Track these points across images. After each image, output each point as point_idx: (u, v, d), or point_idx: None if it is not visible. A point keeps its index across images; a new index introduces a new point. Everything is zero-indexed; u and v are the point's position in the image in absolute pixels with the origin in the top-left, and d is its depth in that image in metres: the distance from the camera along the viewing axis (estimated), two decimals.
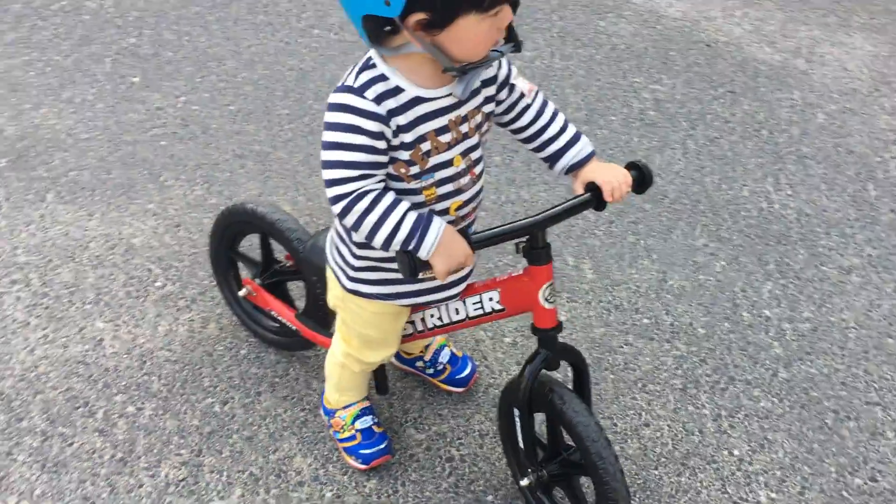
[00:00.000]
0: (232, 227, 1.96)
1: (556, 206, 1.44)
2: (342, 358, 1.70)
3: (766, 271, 2.40)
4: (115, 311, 2.12)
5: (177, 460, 1.81)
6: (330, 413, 1.84)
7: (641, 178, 1.49)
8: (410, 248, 1.32)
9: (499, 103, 1.49)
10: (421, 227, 1.32)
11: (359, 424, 1.80)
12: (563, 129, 1.51)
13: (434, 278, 1.49)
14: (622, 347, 2.16)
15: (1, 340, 2.02)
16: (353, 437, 1.80)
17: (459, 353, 2.01)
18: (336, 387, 1.79)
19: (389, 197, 1.33)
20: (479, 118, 1.43)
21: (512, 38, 1.34)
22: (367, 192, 1.32)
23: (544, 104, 1.53)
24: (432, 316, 1.65)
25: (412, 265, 1.32)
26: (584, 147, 1.51)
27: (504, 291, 1.54)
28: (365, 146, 1.29)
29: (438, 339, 1.97)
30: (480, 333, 2.15)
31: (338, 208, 1.32)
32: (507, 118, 1.52)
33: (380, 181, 1.35)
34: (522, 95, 1.50)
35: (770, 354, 2.15)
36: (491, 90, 1.45)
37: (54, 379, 1.95)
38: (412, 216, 1.33)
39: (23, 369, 1.96)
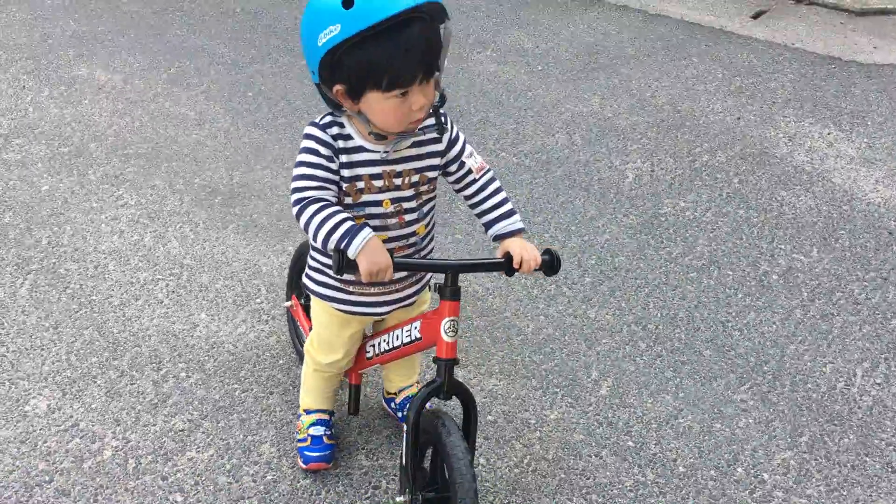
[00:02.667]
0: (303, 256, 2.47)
1: (472, 260, 1.76)
2: (306, 355, 2.10)
3: (793, 442, 2.31)
4: (219, 310, 2.72)
5: (187, 416, 2.32)
6: (298, 415, 2.23)
7: (551, 263, 1.75)
8: (342, 247, 1.65)
9: (447, 174, 1.84)
10: (353, 232, 1.65)
11: (312, 430, 2.16)
12: (498, 205, 1.84)
13: (364, 294, 1.86)
14: (591, 457, 2.24)
15: (139, 306, 2.72)
16: (304, 440, 2.16)
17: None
18: (303, 385, 2.18)
19: (335, 207, 1.70)
20: (415, 178, 1.78)
21: (438, 122, 1.71)
22: (318, 200, 1.70)
23: (489, 182, 1.87)
24: (380, 343, 1.99)
25: (340, 262, 1.65)
26: (511, 224, 1.82)
27: (423, 323, 1.85)
28: (321, 165, 1.70)
29: (413, 389, 2.26)
30: None
31: (295, 209, 1.72)
32: (456, 187, 1.89)
33: (334, 196, 1.73)
34: (470, 171, 1.84)
35: None
36: (435, 161, 1.80)
37: (152, 339, 2.59)
38: (348, 223, 1.67)
39: (139, 328, 2.63)
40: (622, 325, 2.72)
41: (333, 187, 1.73)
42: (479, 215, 1.89)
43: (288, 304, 2.49)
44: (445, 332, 1.75)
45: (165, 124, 3.81)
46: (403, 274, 1.86)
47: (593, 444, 2.28)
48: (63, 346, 2.55)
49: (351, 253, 1.65)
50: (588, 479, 2.18)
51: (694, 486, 2.16)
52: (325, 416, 2.19)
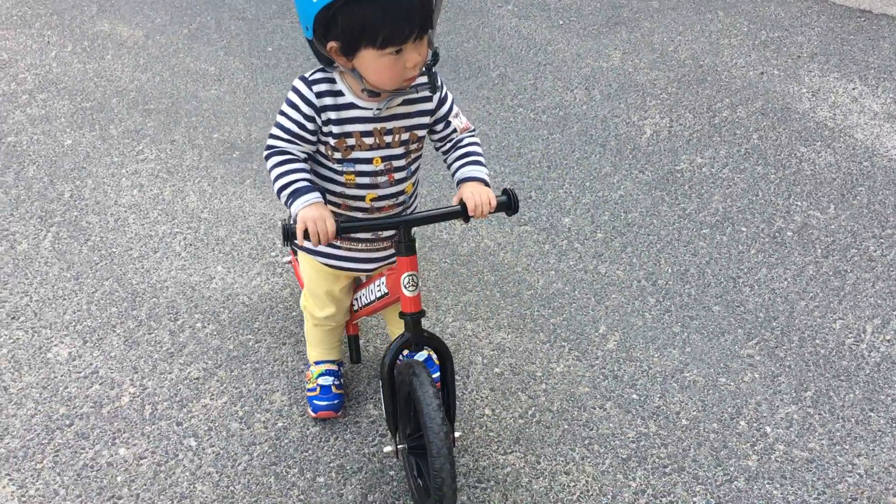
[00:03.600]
0: None
1: (424, 212, 1.77)
2: (303, 308, 2.15)
3: (797, 396, 2.32)
4: (235, 262, 2.78)
5: (202, 366, 2.39)
6: (307, 366, 2.28)
7: (508, 203, 1.75)
8: (287, 204, 1.69)
9: (433, 132, 1.86)
10: (301, 192, 1.69)
11: (321, 381, 2.22)
12: (468, 154, 1.85)
13: (351, 250, 1.90)
14: (594, 409, 2.28)
15: (158, 259, 2.78)
16: (314, 389, 2.22)
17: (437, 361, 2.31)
18: (308, 339, 2.23)
19: (299, 164, 1.73)
20: (405, 136, 1.79)
21: (431, 81, 1.72)
22: (286, 152, 1.74)
23: (470, 139, 1.87)
24: (361, 297, 2.04)
25: (285, 232, 1.67)
26: (474, 171, 1.81)
27: (388, 279, 1.88)
28: (296, 120, 1.72)
29: None
30: (478, 358, 2.43)
31: (265, 153, 1.76)
32: (437, 145, 1.92)
33: (302, 151, 1.75)
34: (455, 131, 1.86)
35: (739, 464, 2.12)
36: (425, 119, 1.81)
37: (169, 291, 2.65)
38: (301, 183, 1.70)
39: (157, 279, 2.70)
40: (632, 280, 2.73)
41: (304, 144, 1.75)
42: (450, 165, 1.89)
43: (287, 259, 2.54)
44: (405, 288, 1.78)
45: (186, 80, 3.84)
46: (392, 232, 1.88)
47: (598, 396, 2.32)
48: (84, 296, 2.62)
49: (293, 211, 1.67)
50: (591, 430, 2.22)
51: (695, 438, 2.19)
52: (334, 367, 2.25)
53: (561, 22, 4.42)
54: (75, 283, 2.67)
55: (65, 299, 2.61)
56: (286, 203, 1.70)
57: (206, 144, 3.37)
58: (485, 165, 1.86)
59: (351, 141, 1.76)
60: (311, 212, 1.66)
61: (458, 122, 1.88)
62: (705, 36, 4.27)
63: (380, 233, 1.84)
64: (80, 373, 2.36)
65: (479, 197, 1.74)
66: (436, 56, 1.69)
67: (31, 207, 3.01)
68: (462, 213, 1.75)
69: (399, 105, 1.76)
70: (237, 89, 3.77)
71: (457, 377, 2.35)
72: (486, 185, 1.80)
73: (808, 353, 2.46)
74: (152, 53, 4.05)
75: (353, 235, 1.89)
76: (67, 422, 2.22)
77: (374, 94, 1.70)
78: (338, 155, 1.77)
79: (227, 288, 2.67)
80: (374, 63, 1.61)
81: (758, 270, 2.77)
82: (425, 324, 2.52)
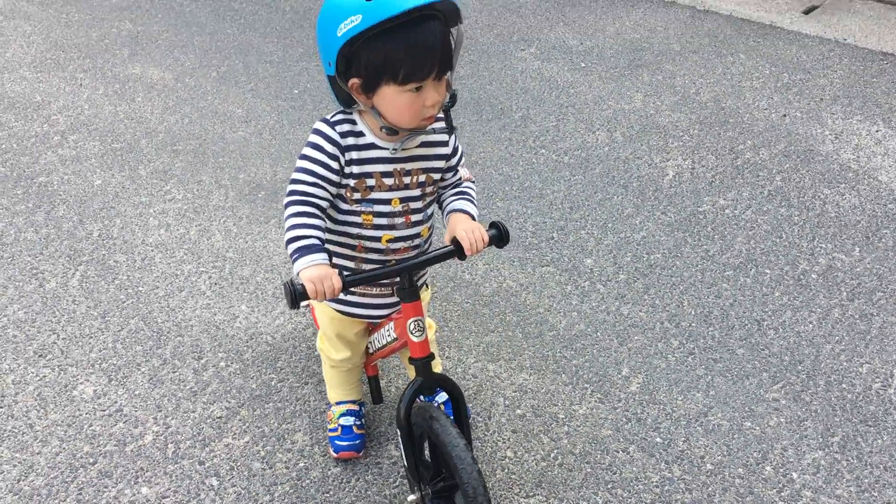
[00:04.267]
0: None
1: (422, 256, 1.78)
2: (319, 351, 2.17)
3: (824, 441, 2.29)
4: (259, 301, 2.80)
5: (225, 405, 2.40)
6: (329, 406, 2.29)
7: (499, 236, 1.76)
8: (292, 259, 1.67)
9: (443, 178, 1.88)
10: (309, 250, 1.65)
11: (342, 420, 2.22)
12: (461, 193, 1.88)
13: (363, 296, 1.91)
14: (618, 452, 2.26)
15: (183, 297, 2.81)
16: (335, 430, 2.22)
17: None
18: (327, 380, 2.24)
19: (315, 219, 1.71)
20: (422, 177, 1.82)
21: (448, 122, 1.75)
22: (308, 203, 1.72)
23: (467, 185, 1.91)
24: (374, 341, 2.06)
25: (293, 295, 1.61)
26: (464, 206, 1.83)
27: (395, 324, 1.90)
28: (321, 161, 1.73)
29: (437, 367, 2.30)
30: (500, 399, 2.42)
31: (285, 201, 1.75)
32: (441, 192, 1.92)
33: (325, 198, 1.74)
34: (460, 179, 1.90)
35: None
36: (441, 163, 1.84)
37: (194, 330, 2.68)
38: (311, 240, 1.67)
39: (182, 318, 2.73)
40: (655, 322, 2.72)
41: (329, 186, 1.74)
42: (442, 200, 1.90)
43: (306, 301, 2.55)
44: (412, 333, 1.79)
45: (213, 121, 3.91)
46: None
47: (621, 439, 2.30)
48: (110, 334, 2.65)
49: (295, 268, 1.65)
50: (614, 473, 2.20)
51: (720, 483, 2.16)
52: (355, 407, 2.25)
53: (583, 65, 4.47)
54: (102, 322, 2.71)
55: (91, 337, 2.65)
56: (291, 256, 1.68)
57: (232, 185, 3.43)
58: (476, 205, 1.88)
59: (371, 181, 1.77)
60: (315, 271, 1.63)
61: (464, 171, 1.92)
62: (727, 78, 4.29)
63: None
64: (105, 411, 2.38)
65: (472, 234, 1.74)
66: (454, 97, 1.71)
67: (61, 246, 3.06)
68: (458, 252, 1.76)
69: (418, 147, 1.78)
70: (264, 130, 3.83)
71: (479, 419, 2.35)
72: (474, 219, 1.83)
73: (834, 398, 2.43)
74: (181, 96, 4.14)
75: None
76: (91, 460, 2.23)
77: (392, 132, 1.71)
78: (357, 195, 1.79)
79: (251, 327, 2.69)
80: (394, 100, 1.63)
81: (782, 313, 2.75)
82: (447, 364, 2.52)
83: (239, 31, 4.87)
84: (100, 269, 2.94)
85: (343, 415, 2.22)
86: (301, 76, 4.32)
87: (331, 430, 2.23)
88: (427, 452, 1.94)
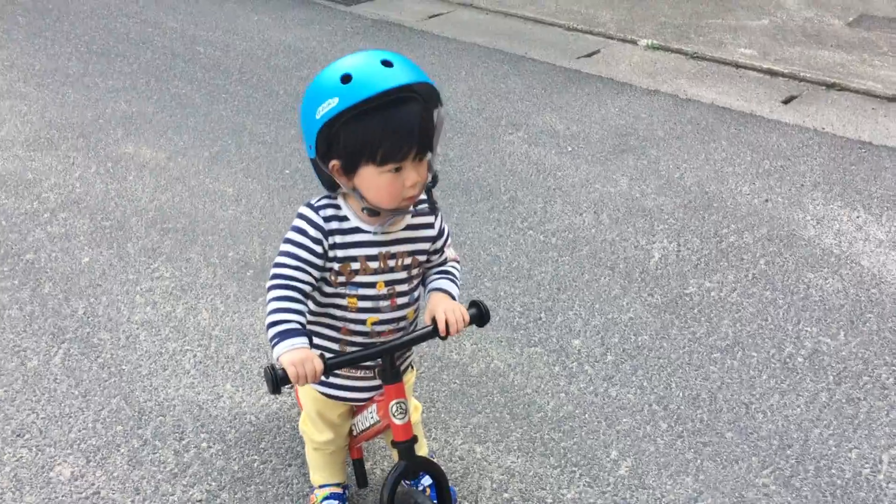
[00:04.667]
0: None
1: (402, 337, 1.78)
2: (302, 433, 2.13)
3: None
4: (244, 380, 2.77)
5: (205, 487, 2.35)
6: (312, 489, 2.24)
7: (480, 315, 1.76)
8: (272, 343, 1.66)
9: (429, 260, 1.89)
10: (285, 335, 1.65)
11: None
12: (442, 273, 1.89)
13: (346, 378, 1.91)
14: None
15: (167, 376, 2.78)
16: None
17: None
18: (309, 463, 2.21)
19: (298, 304, 1.71)
20: (408, 260, 1.83)
21: (430, 203, 1.77)
22: (291, 287, 1.72)
23: (451, 265, 1.92)
24: (357, 423, 2.03)
25: (274, 380, 1.61)
26: (445, 286, 1.84)
27: (378, 406, 1.88)
28: (305, 245, 1.73)
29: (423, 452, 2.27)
30: (486, 482, 2.38)
31: (269, 284, 1.75)
32: (426, 273, 1.93)
33: (308, 282, 1.75)
34: (446, 261, 1.91)
35: None
36: (426, 245, 1.85)
37: (176, 409, 2.64)
38: (292, 325, 1.67)
39: (165, 397, 2.69)
40: (643, 404, 2.70)
41: (312, 270, 1.74)
42: (424, 279, 1.91)
43: (288, 386, 2.52)
44: (395, 416, 1.78)
45: (204, 200, 3.94)
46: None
47: None
48: (90, 413, 2.61)
49: (276, 353, 1.64)
50: None
51: None
52: (339, 490, 2.21)
53: (570, 149, 4.56)
54: (83, 401, 2.67)
55: (71, 416, 2.60)
56: (271, 341, 1.67)
57: (220, 262, 3.43)
58: (457, 286, 1.89)
59: (355, 265, 1.77)
60: (296, 354, 1.62)
61: (450, 252, 1.93)
62: (710, 164, 4.38)
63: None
64: (82, 493, 2.33)
65: (451, 315, 1.75)
66: (435, 178, 1.72)
67: (45, 324, 3.03)
68: (438, 333, 1.75)
69: (403, 230, 1.79)
70: (254, 209, 3.86)
71: (465, 502, 2.30)
72: (454, 299, 1.84)
73: (824, 484, 2.41)
74: (173, 175, 4.18)
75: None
76: None
77: (374, 213, 1.71)
78: (342, 279, 1.78)
79: (235, 407, 2.65)
80: (373, 181, 1.64)
81: (770, 396, 2.75)
82: (434, 446, 2.49)
83: (232, 113, 4.96)
84: (83, 347, 2.91)
85: (326, 498, 2.18)
86: (293, 156, 4.38)
87: None
88: None
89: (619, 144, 4.63)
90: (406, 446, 1.78)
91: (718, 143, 4.64)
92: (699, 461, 2.48)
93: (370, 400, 1.97)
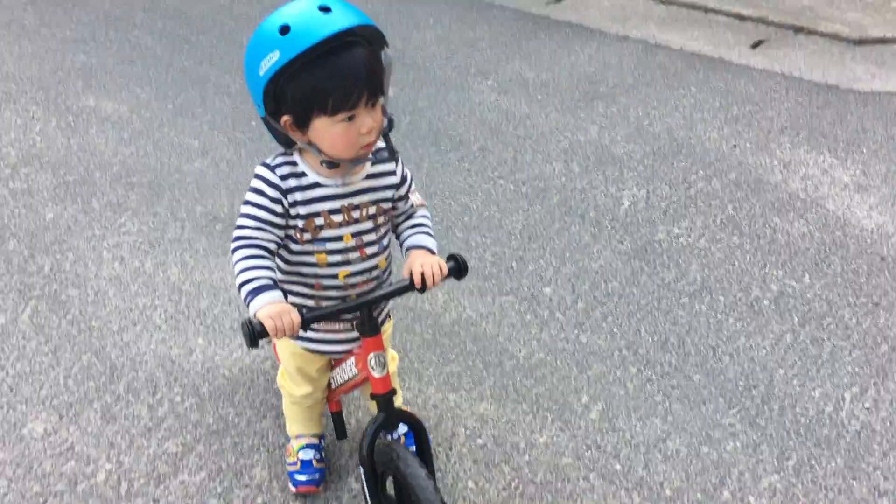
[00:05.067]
0: None
1: (380, 291, 1.77)
2: (280, 387, 2.14)
3: (779, 465, 2.32)
4: (216, 335, 2.77)
5: (180, 440, 2.36)
6: (288, 439, 2.26)
7: (458, 268, 1.76)
8: (247, 301, 1.64)
9: (394, 207, 1.87)
10: (258, 291, 1.62)
11: (301, 455, 2.19)
12: (418, 225, 1.88)
13: (323, 331, 1.91)
14: (578, 480, 2.26)
15: (137, 332, 2.77)
16: (294, 464, 2.19)
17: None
18: (286, 415, 2.22)
19: (264, 260, 1.68)
20: (372, 210, 1.79)
21: (389, 149, 1.73)
22: (254, 245, 1.70)
23: (421, 214, 1.91)
24: (336, 376, 2.04)
25: (251, 334, 1.58)
26: (422, 241, 1.84)
27: (356, 359, 1.89)
28: (264, 206, 1.71)
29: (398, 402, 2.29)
30: (460, 429, 2.41)
31: (232, 246, 1.72)
32: (394, 220, 1.92)
33: (272, 240, 1.72)
34: (412, 206, 1.89)
35: None
36: (390, 193, 1.82)
37: (149, 364, 2.63)
38: (263, 280, 1.65)
39: (137, 353, 2.68)
40: (613, 349, 2.74)
41: (273, 230, 1.72)
42: (399, 234, 1.90)
43: (265, 339, 2.52)
44: (373, 369, 1.77)
45: (170, 153, 3.88)
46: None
47: (581, 467, 2.30)
48: (61, 370, 2.60)
49: (251, 310, 1.62)
50: (576, 501, 2.20)
51: None
52: (315, 440, 2.22)
53: (539, 97, 4.54)
54: (53, 358, 2.65)
55: (41, 374, 2.58)
56: (245, 300, 1.65)
57: (188, 217, 3.39)
58: (433, 237, 1.87)
59: (319, 220, 1.75)
60: (272, 308, 1.60)
61: (415, 198, 1.90)
62: (679, 111, 4.39)
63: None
64: (56, 449, 2.32)
65: (428, 268, 1.74)
66: (391, 123, 1.69)
67: (11, 281, 2.99)
68: (414, 286, 1.74)
69: (364, 180, 1.77)
70: (220, 162, 3.81)
71: (440, 449, 2.34)
72: (433, 253, 1.82)
73: (788, 422, 2.47)
74: (136, 128, 4.10)
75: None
76: (41, 500, 2.17)
77: (333, 165, 1.68)
78: (307, 236, 1.76)
79: (208, 361, 2.65)
80: (327, 132, 1.60)
81: (736, 339, 2.80)
82: (407, 395, 2.51)
83: (195, 64, 4.86)
84: (51, 304, 2.88)
85: (303, 448, 2.19)
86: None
87: (290, 465, 2.20)
88: (390, 488, 1.92)
89: (588, 92, 4.61)
90: (385, 399, 1.79)
91: (687, 89, 4.64)
92: (668, 403, 2.53)
93: (348, 353, 1.97)
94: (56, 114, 4.22)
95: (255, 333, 1.59)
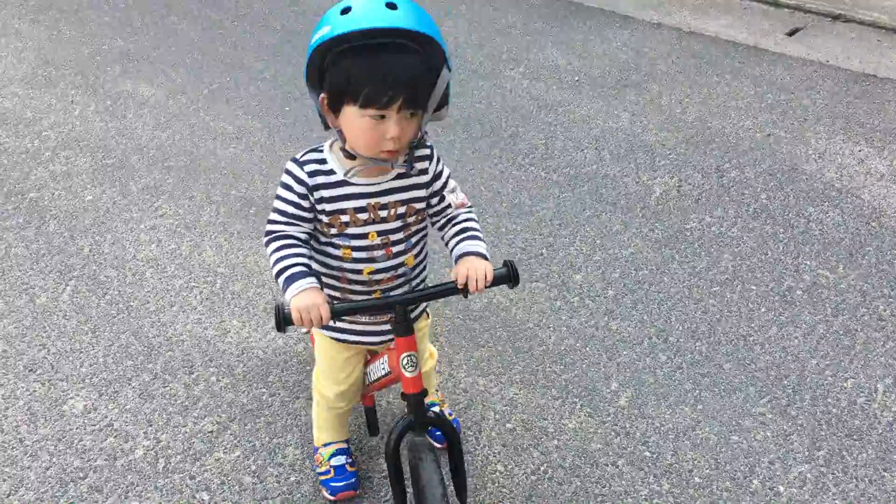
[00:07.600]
0: None
1: (419, 291, 1.78)
2: (314, 393, 2.16)
3: (810, 455, 2.32)
4: (250, 316, 2.82)
5: (215, 419, 2.41)
6: (315, 450, 2.26)
7: (508, 275, 1.72)
8: (284, 290, 1.67)
9: (429, 206, 1.86)
10: (295, 277, 1.66)
11: (333, 461, 2.19)
12: (464, 230, 1.83)
13: (357, 322, 1.92)
14: (607, 466, 2.28)
15: (174, 312, 2.82)
16: (327, 472, 2.19)
17: (449, 416, 2.32)
18: (315, 424, 2.23)
19: (297, 248, 1.72)
20: (401, 210, 1.78)
21: (409, 160, 1.74)
22: (286, 236, 1.73)
23: (465, 216, 1.87)
24: (370, 372, 2.05)
25: (279, 318, 1.61)
26: (471, 247, 1.79)
27: (389, 358, 1.90)
28: (292, 201, 1.73)
29: (434, 399, 2.32)
30: (490, 413, 2.44)
31: (265, 239, 1.76)
32: (433, 220, 1.90)
33: (303, 232, 1.75)
34: (449, 206, 1.86)
35: None
36: (421, 192, 1.80)
37: (185, 344, 2.69)
38: (297, 268, 1.67)
39: (173, 333, 2.73)
40: (643, 337, 2.75)
41: (303, 224, 1.75)
42: (447, 243, 1.86)
43: (305, 330, 2.56)
44: (405, 368, 1.77)
45: (205, 138, 3.93)
46: None
47: (610, 453, 2.32)
48: (100, 349, 2.66)
49: (286, 298, 1.66)
50: (604, 487, 2.22)
51: (709, 496, 2.19)
52: (344, 445, 2.23)
53: (571, 84, 4.53)
54: (92, 337, 2.71)
55: (81, 352, 2.65)
56: (282, 289, 1.68)
57: (223, 201, 3.44)
58: (482, 241, 1.83)
59: (345, 217, 1.75)
60: (302, 300, 1.63)
61: (454, 197, 1.86)
62: (712, 98, 4.36)
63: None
64: (95, 426, 2.39)
65: (474, 272, 1.71)
66: (420, 142, 1.70)
67: (51, 262, 3.06)
68: (458, 289, 1.72)
69: (393, 179, 1.76)
70: (255, 147, 3.85)
71: (469, 433, 2.36)
72: (485, 258, 1.78)
73: (819, 412, 2.47)
74: (172, 112, 4.16)
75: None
76: (81, 475, 2.23)
77: (350, 156, 1.69)
78: (333, 231, 1.77)
79: (242, 342, 2.70)
80: (354, 122, 1.61)
81: (768, 329, 2.79)
82: (438, 379, 2.54)
83: (230, 49, 4.90)
84: (90, 284, 2.95)
85: (333, 455, 2.19)
86: (292, 93, 4.35)
87: (322, 474, 2.19)
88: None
89: (620, 79, 4.59)
90: (415, 399, 1.78)
91: (722, 76, 4.60)
92: (697, 392, 2.54)
93: (384, 350, 1.97)
94: (94, 98, 4.29)
95: (282, 319, 1.62)
